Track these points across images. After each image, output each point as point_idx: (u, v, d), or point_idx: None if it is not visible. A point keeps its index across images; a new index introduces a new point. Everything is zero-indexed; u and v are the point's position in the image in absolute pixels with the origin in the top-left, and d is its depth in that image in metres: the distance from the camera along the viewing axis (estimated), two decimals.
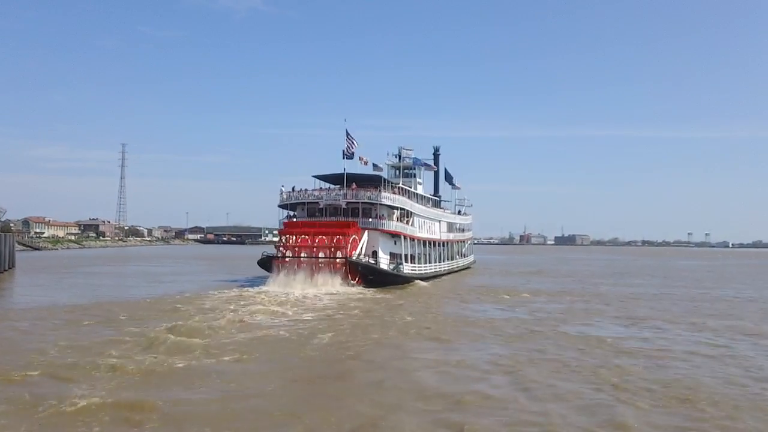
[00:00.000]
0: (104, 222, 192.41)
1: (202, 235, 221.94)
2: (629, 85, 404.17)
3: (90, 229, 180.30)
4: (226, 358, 16.09)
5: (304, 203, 41.83)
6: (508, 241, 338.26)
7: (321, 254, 36.72)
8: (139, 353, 16.38)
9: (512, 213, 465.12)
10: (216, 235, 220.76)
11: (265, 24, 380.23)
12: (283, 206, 42.64)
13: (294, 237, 38.12)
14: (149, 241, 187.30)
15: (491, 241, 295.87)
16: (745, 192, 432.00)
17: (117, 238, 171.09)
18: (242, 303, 28.02)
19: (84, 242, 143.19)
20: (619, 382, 14.05)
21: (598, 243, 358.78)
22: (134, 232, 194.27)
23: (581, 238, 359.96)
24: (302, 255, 37.00)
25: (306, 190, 42.24)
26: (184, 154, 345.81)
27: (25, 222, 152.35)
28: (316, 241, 37.17)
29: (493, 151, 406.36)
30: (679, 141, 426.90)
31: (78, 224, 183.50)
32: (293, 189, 42.41)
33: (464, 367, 15.68)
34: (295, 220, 41.77)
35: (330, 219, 39.95)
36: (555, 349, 18.14)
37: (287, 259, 37.07)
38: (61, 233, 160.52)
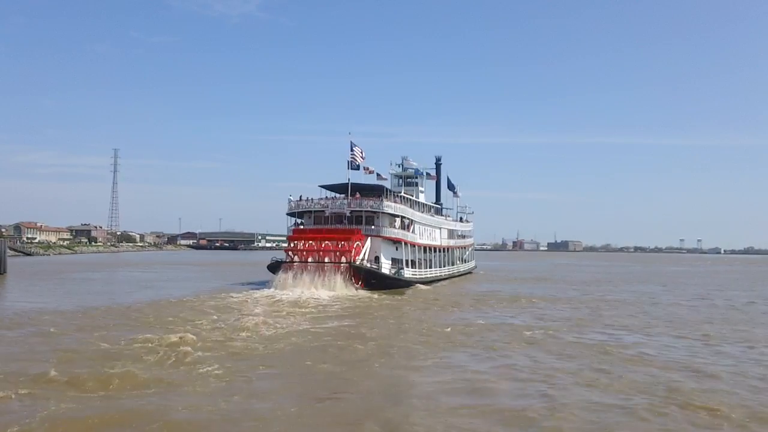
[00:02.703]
0: (96, 227, 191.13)
1: (195, 241, 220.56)
2: (622, 92, 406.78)
3: (82, 235, 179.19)
4: (231, 368, 15.51)
5: (310, 212, 43.85)
6: (500, 248, 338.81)
7: (327, 259, 38.99)
8: (140, 362, 15.97)
9: (504, 219, 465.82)
10: (209, 240, 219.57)
11: (259, 30, 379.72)
12: (291, 214, 44.51)
13: (301, 243, 40.57)
14: (141, 246, 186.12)
15: (484, 247, 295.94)
16: (737, 198, 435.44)
17: (109, 244, 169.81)
18: (250, 306, 28.52)
19: (76, 248, 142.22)
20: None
21: (591, 249, 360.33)
22: (126, 238, 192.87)
23: (574, 244, 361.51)
24: (309, 260, 39.19)
25: (312, 199, 44.31)
26: (176, 159, 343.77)
27: (17, 227, 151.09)
28: (322, 247, 39.59)
29: (485, 158, 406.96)
30: (672, 148, 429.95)
31: (70, 230, 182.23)
32: (300, 198, 44.51)
33: (482, 375, 15.61)
34: (302, 227, 43.59)
35: (335, 226, 41.94)
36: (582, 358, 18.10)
37: (295, 264, 39.14)
38: (53, 239, 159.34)
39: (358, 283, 37.96)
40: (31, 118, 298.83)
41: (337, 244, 39.09)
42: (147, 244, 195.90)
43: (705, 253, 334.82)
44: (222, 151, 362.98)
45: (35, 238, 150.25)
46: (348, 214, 42.10)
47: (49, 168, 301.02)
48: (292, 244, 41.20)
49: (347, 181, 43.48)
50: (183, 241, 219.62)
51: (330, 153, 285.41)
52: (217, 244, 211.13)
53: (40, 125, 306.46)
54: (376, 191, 44.31)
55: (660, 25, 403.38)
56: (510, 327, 24.27)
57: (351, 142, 43.76)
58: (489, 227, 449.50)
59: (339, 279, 37.19)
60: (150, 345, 18.04)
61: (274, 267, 40.29)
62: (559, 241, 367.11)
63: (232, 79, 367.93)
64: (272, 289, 36.21)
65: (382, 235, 41.83)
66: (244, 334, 20.83)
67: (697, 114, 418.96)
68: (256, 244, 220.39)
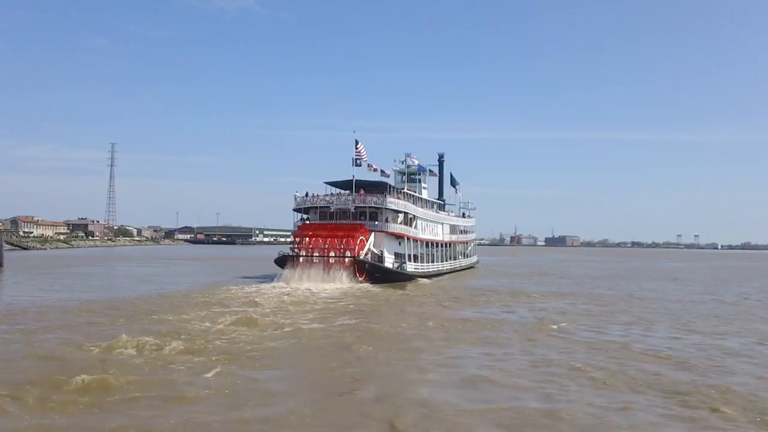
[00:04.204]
0: (93, 222, 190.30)
1: (192, 236, 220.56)
2: (621, 88, 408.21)
3: (79, 229, 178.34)
4: (235, 367, 15.13)
5: (316, 207, 44.79)
6: (498, 242, 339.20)
7: (332, 253, 39.97)
8: (139, 361, 15.47)
9: (502, 214, 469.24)
10: (206, 235, 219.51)
11: (257, 24, 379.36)
12: (297, 210, 45.60)
13: (307, 238, 41.51)
14: (139, 241, 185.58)
15: (482, 242, 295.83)
16: (734, 194, 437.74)
17: (106, 238, 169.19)
18: (257, 301, 28.53)
19: (73, 242, 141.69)
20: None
21: (588, 244, 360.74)
22: (124, 232, 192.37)
23: (571, 240, 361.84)
24: (315, 254, 40.09)
25: (318, 195, 45.19)
26: (174, 154, 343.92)
27: (14, 221, 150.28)
28: (327, 241, 40.50)
29: (484, 154, 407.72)
30: (670, 143, 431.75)
31: (67, 224, 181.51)
32: (306, 194, 45.45)
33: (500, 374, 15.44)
34: (308, 222, 44.49)
35: (340, 222, 42.90)
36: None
37: (301, 258, 40.11)
38: (49, 233, 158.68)
39: (361, 277, 39.03)
40: (28, 111, 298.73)
41: (342, 239, 40.00)
42: (144, 239, 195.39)
43: (702, 248, 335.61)
44: (220, 145, 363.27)
45: (32, 232, 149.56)
46: (352, 210, 43.12)
47: (46, 162, 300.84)
48: (298, 239, 42.12)
49: (352, 178, 44.50)
50: (180, 236, 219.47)
51: (330, 148, 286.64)
52: (215, 239, 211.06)
53: (37, 119, 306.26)
54: (379, 188, 45.08)
55: (659, 22, 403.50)
56: (513, 323, 24.12)
57: (356, 140, 44.89)
58: (487, 222, 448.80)
59: (343, 273, 38.40)
60: (149, 344, 17.23)
61: (281, 261, 41.32)
62: (556, 236, 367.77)
63: (230, 73, 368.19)
64: (279, 283, 37.53)
65: (386, 230, 42.77)
66: (250, 331, 20.40)
67: (695, 110, 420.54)
68: (253, 238, 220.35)
